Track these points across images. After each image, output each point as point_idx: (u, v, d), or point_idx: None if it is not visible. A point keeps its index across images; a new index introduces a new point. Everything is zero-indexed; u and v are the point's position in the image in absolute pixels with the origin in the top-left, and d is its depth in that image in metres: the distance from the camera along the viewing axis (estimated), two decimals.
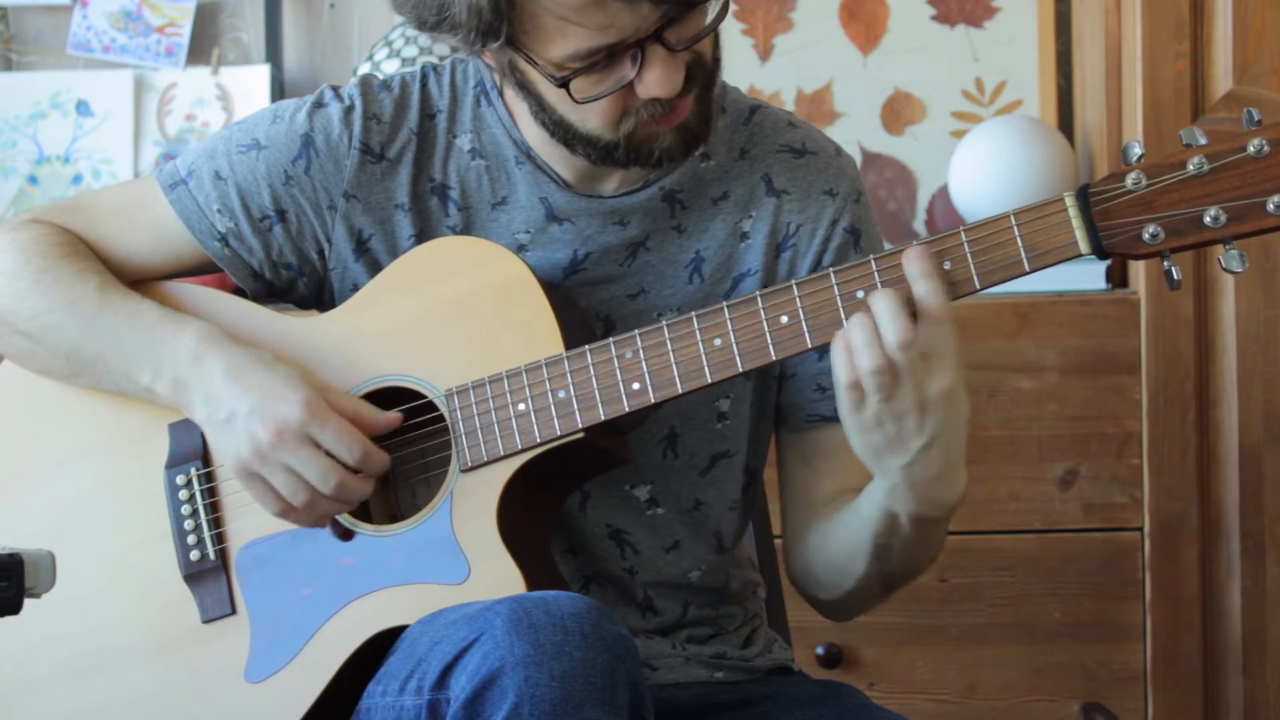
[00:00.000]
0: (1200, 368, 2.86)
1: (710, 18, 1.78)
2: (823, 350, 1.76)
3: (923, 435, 1.70)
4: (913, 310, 1.69)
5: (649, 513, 1.94)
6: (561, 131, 1.83)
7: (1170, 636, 2.85)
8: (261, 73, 3.28)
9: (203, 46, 3.32)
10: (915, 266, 1.70)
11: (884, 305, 1.68)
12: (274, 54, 3.31)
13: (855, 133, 3.27)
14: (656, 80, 1.76)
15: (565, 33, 1.73)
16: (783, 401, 1.96)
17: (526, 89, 1.82)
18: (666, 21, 1.74)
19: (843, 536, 1.86)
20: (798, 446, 1.96)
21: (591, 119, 1.80)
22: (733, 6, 1.93)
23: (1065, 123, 3.26)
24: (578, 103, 1.78)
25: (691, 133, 1.83)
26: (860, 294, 1.73)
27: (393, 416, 1.82)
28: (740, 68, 3.28)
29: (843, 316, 1.73)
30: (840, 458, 1.91)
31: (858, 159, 3.26)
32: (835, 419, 1.92)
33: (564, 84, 1.76)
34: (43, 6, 3.34)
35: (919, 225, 3.28)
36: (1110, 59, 3.02)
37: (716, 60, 1.84)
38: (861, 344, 1.68)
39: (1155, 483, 2.85)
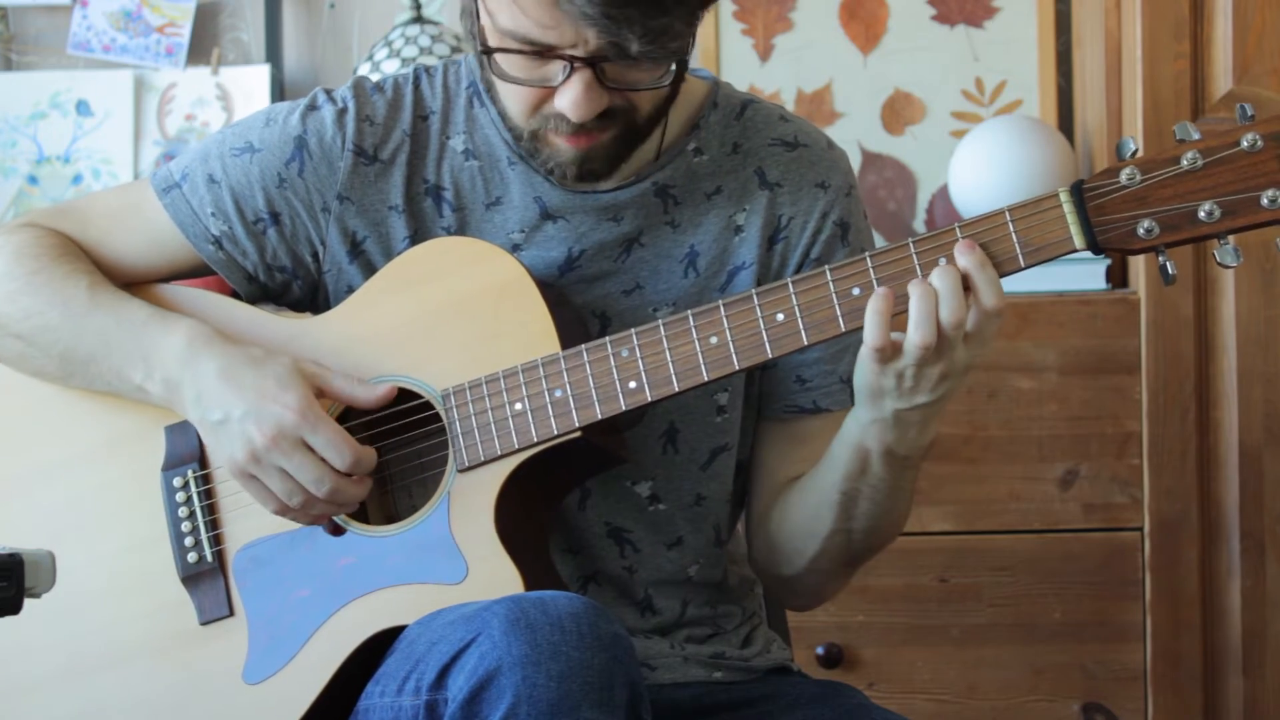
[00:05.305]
0: (1200, 368, 2.86)
1: (658, 78, 1.78)
2: (818, 348, 1.75)
3: (934, 394, 1.74)
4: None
5: (650, 509, 1.94)
6: (490, 95, 1.85)
7: (1170, 636, 2.85)
8: (261, 73, 3.28)
9: (203, 46, 3.33)
10: (969, 258, 1.70)
11: (947, 283, 1.70)
12: (274, 54, 3.31)
13: (855, 133, 3.27)
14: (570, 100, 1.76)
15: (513, 11, 1.74)
16: (761, 390, 1.97)
17: (474, 36, 1.83)
18: (604, 55, 1.74)
19: (808, 493, 1.88)
20: (770, 434, 1.97)
21: (509, 98, 1.83)
22: (693, 61, 1.91)
23: (1065, 123, 3.25)
24: (496, 76, 1.79)
25: (590, 168, 1.83)
26: (856, 291, 1.73)
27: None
28: (740, 68, 3.28)
29: (839, 314, 1.74)
30: (813, 444, 1.92)
31: (858, 159, 3.26)
32: (813, 411, 1.93)
33: (489, 52, 1.77)
34: (43, 6, 3.35)
35: (919, 225, 3.28)
36: (1110, 59, 3.02)
37: (655, 118, 1.84)
38: (921, 317, 1.69)
39: (1155, 483, 2.85)
